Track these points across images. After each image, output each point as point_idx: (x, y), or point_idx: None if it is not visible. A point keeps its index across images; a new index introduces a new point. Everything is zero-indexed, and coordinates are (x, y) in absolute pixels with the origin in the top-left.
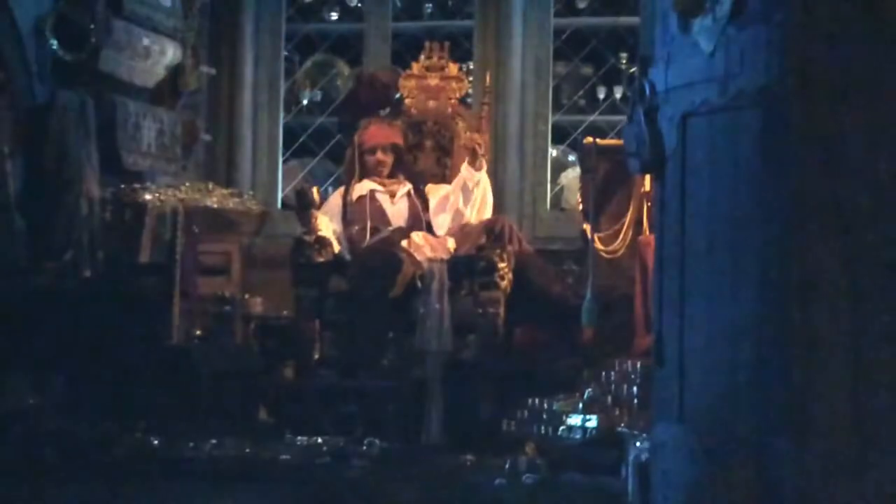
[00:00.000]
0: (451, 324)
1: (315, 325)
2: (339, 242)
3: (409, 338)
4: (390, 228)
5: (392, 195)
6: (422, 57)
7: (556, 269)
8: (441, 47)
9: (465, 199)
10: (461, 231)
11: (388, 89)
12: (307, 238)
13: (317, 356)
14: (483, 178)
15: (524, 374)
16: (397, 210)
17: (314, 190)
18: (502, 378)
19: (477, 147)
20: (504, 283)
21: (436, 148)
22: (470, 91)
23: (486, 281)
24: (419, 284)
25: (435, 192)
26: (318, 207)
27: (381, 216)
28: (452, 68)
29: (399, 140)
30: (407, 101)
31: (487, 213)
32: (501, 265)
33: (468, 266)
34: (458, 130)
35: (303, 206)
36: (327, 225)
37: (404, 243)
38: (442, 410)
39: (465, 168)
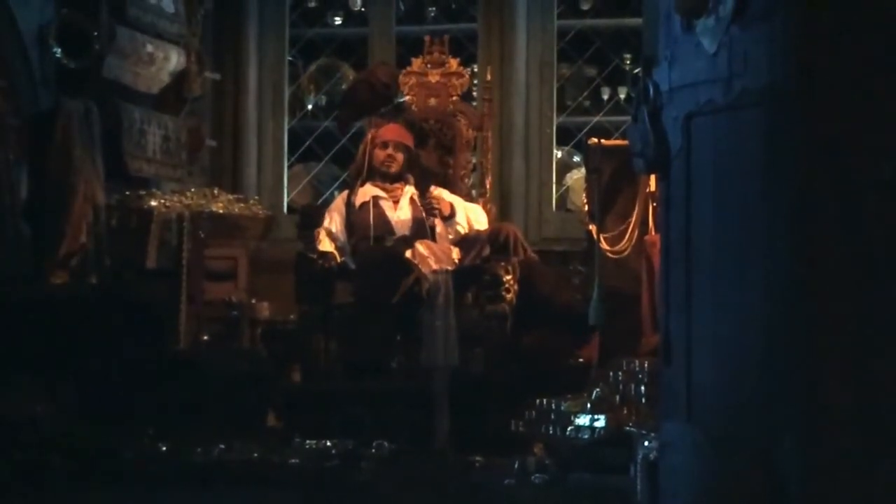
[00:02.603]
0: (457, 337)
1: (321, 337)
2: (342, 254)
3: (415, 347)
4: (394, 238)
5: (395, 201)
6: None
7: (562, 269)
8: (441, 42)
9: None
10: (464, 239)
11: (388, 87)
12: (310, 255)
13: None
14: (460, 214)
15: (531, 380)
16: (401, 217)
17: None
18: (510, 391)
19: (436, 205)
20: (510, 296)
21: (438, 146)
22: (474, 92)
23: (491, 294)
24: (425, 297)
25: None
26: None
27: (384, 224)
28: (453, 63)
29: (410, 142)
30: (408, 98)
31: (481, 221)
32: (507, 278)
33: (473, 277)
34: (460, 128)
35: (307, 226)
36: (328, 243)
37: (408, 254)
38: (449, 424)
39: (442, 225)
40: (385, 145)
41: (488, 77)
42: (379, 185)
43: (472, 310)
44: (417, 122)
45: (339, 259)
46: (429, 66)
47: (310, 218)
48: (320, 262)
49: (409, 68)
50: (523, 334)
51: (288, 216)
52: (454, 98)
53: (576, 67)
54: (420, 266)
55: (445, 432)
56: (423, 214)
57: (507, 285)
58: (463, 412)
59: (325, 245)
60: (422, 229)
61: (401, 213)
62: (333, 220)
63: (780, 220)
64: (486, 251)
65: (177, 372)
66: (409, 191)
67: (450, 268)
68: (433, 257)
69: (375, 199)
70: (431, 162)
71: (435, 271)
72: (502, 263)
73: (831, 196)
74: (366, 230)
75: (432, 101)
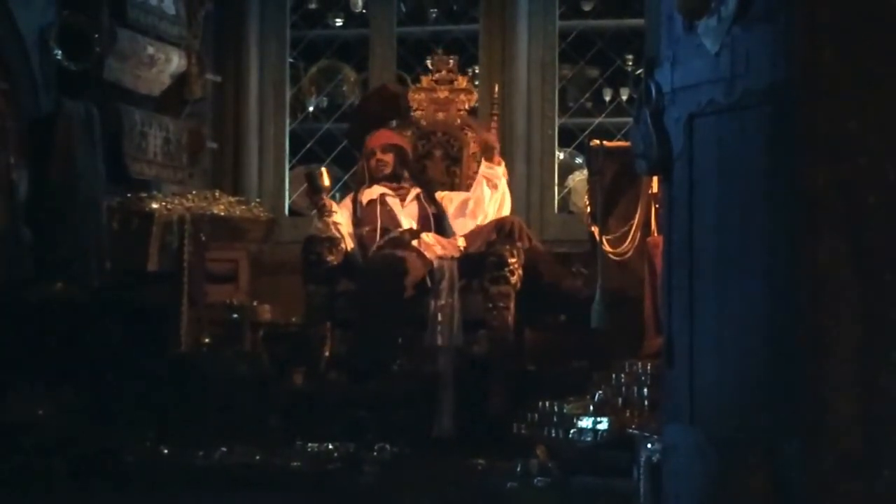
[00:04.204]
0: (461, 320)
1: (326, 325)
2: (353, 240)
3: (420, 335)
4: (400, 230)
5: (402, 199)
6: (429, 68)
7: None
8: (448, 58)
9: (490, 195)
10: (471, 232)
11: (397, 100)
12: (320, 235)
13: (327, 354)
14: (504, 172)
15: (535, 375)
16: (408, 213)
17: (323, 172)
18: (513, 374)
19: (492, 142)
20: (514, 279)
21: (445, 157)
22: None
23: (496, 276)
24: (429, 283)
25: (451, 198)
26: (328, 192)
27: (391, 219)
28: (461, 81)
29: (401, 142)
30: (416, 112)
31: (506, 211)
32: (511, 260)
33: (478, 263)
34: (466, 140)
35: (313, 190)
36: (340, 215)
37: (414, 242)
38: (453, 405)
39: (484, 167)
40: (373, 153)
41: (495, 94)
42: (385, 185)
43: (477, 294)
44: (425, 134)
45: (349, 246)
46: (437, 82)
47: (314, 182)
48: (327, 244)
49: (418, 85)
50: (526, 327)
51: (289, 218)
52: (461, 112)
53: (577, 68)
54: (426, 252)
55: (449, 417)
56: (429, 212)
57: (511, 267)
58: (466, 395)
59: (338, 217)
60: (427, 225)
61: (408, 209)
62: (342, 212)
63: (782, 220)
64: (493, 238)
65: (178, 375)
66: (415, 190)
67: (455, 255)
68: (439, 245)
69: (383, 196)
70: (438, 172)
71: (440, 257)
72: (507, 247)
73: (833, 196)
74: (374, 223)
75: (440, 116)
